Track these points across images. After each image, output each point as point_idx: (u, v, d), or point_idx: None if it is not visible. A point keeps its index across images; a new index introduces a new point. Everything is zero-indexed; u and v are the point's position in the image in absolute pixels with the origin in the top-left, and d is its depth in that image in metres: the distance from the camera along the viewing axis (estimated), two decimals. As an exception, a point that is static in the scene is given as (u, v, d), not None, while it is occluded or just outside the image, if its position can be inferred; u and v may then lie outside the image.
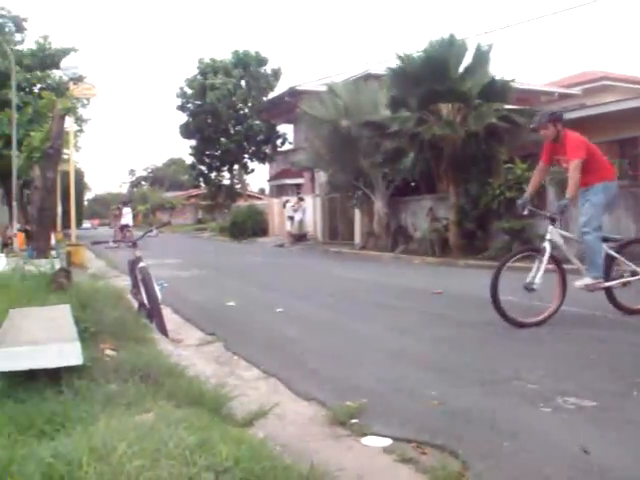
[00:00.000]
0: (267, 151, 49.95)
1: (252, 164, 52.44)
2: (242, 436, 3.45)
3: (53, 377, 4.28)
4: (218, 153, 50.91)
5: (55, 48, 33.79)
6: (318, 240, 31.01)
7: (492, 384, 5.40)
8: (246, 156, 51.39)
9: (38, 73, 31.41)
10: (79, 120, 33.15)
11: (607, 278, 8.09)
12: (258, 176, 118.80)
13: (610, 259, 8.15)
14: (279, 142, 49.15)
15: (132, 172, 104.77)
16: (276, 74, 50.30)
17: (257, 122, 49.06)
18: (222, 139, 50.07)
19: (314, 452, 3.83)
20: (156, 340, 6.63)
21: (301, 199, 32.96)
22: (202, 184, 55.80)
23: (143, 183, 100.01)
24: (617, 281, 8.16)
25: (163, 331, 7.41)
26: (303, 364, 6.39)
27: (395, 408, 4.83)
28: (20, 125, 25.00)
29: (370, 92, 23.67)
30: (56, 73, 31.19)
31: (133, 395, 4.09)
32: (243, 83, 49.74)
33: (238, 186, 54.87)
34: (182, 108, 51.39)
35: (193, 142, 52.21)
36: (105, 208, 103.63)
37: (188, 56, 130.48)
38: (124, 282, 11.13)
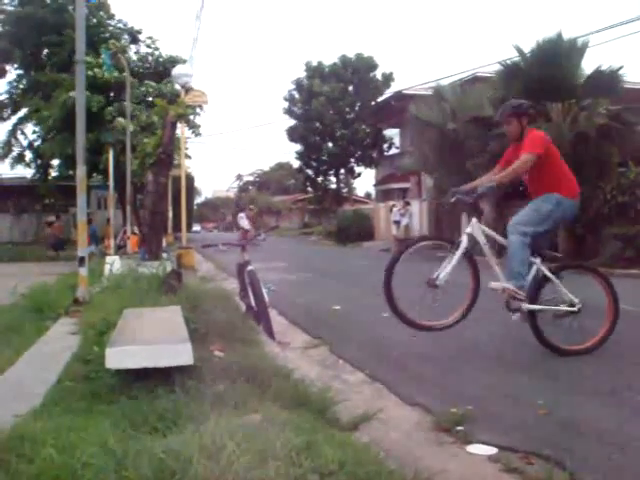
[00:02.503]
0: (373, 155, 49.82)
1: (358, 168, 52.37)
2: (347, 440, 3.49)
3: (164, 376, 4.41)
4: (325, 157, 51.12)
5: (164, 56, 34.90)
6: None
7: (602, 395, 5.27)
8: (352, 160, 51.37)
9: (152, 83, 32.44)
10: (191, 127, 33.97)
11: (533, 300, 6.69)
12: (364, 180, 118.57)
13: (542, 279, 6.76)
14: (385, 146, 48.94)
15: (239, 177, 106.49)
16: (387, 79, 50.06)
17: (364, 126, 49.03)
18: (328, 143, 50.25)
19: (418, 458, 3.83)
20: (263, 342, 6.74)
21: (407, 203, 32.78)
22: (308, 188, 56.13)
23: (250, 187, 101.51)
24: (544, 307, 6.72)
25: (270, 333, 7.51)
26: (408, 369, 6.37)
27: (501, 415, 4.78)
28: (134, 132, 25.81)
29: (477, 94, 23.31)
30: (168, 81, 32.25)
31: (241, 396, 4.17)
32: (351, 87, 49.77)
33: (344, 190, 54.96)
34: (289, 112, 51.83)
35: (300, 146, 52.58)
36: (214, 212, 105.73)
37: (297, 59, 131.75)
38: (232, 285, 11.35)
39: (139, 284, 9.17)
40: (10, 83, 37.23)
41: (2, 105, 37.28)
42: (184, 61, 32.61)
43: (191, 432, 3.13)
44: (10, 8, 35.47)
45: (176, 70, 19.73)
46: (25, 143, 37.37)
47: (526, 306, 6.60)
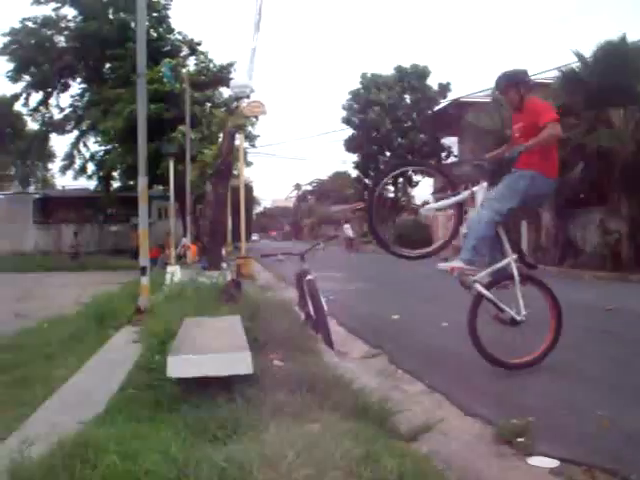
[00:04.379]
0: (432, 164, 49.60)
1: (416, 177, 52.22)
2: (407, 450, 3.47)
3: (224, 384, 4.45)
4: (382, 166, 51.11)
5: (219, 65, 35.34)
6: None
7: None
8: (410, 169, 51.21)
9: (207, 93, 32.90)
10: (249, 138, 34.27)
11: (489, 286, 6.50)
12: (423, 189, 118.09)
13: (509, 276, 6.55)
14: (443, 155, 48.71)
15: (298, 186, 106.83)
16: (444, 88, 49.87)
17: (421, 135, 48.92)
18: (386, 152, 50.29)
19: (478, 470, 3.80)
20: (322, 352, 6.74)
21: (465, 212, 32.48)
22: (367, 197, 56.05)
23: (309, 197, 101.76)
24: (494, 299, 6.45)
25: (329, 343, 7.51)
26: (467, 379, 6.31)
27: (563, 427, 4.70)
28: (193, 142, 26.15)
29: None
30: (225, 91, 32.78)
31: (300, 405, 4.18)
32: (407, 97, 49.71)
33: (402, 199, 54.80)
34: (347, 122, 52.02)
35: (358, 156, 52.71)
36: (273, 222, 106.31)
37: (355, 69, 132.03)
38: (291, 294, 11.38)
39: (199, 293, 9.27)
40: (73, 97, 38.15)
41: (66, 118, 38.20)
42: (235, 70, 33.04)
43: (251, 441, 3.15)
44: (74, 24, 36.36)
45: (235, 81, 19.92)
46: (87, 155, 38.21)
47: (479, 287, 6.43)
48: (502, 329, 6.60)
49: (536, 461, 4.03)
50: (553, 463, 3.96)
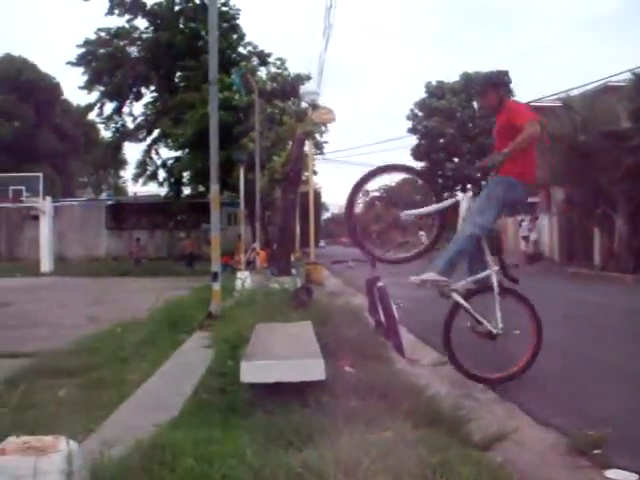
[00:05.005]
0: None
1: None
2: (481, 459, 3.43)
3: (297, 391, 4.47)
4: (450, 173, 50.88)
5: (293, 74, 35.64)
6: (554, 260, 30.00)
7: None
8: (479, 175, 50.84)
9: (278, 103, 33.16)
10: (317, 146, 34.44)
11: (467, 297, 6.49)
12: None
13: (488, 288, 6.48)
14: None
15: (366, 192, 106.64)
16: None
17: (489, 140, 48.58)
18: (454, 159, 50.06)
19: (555, 482, 3.73)
20: (393, 359, 6.71)
21: (536, 218, 32.05)
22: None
23: (377, 203, 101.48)
24: (471, 310, 6.46)
25: (399, 350, 7.47)
26: (540, 388, 6.23)
27: (640, 439, 4.59)
28: (263, 150, 26.40)
29: (608, 105, 22.56)
30: (295, 100, 32.99)
31: (372, 413, 4.17)
32: (473, 103, 49.46)
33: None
34: (413, 130, 51.95)
35: (424, 163, 52.58)
36: (340, 227, 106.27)
37: (422, 78, 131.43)
38: (360, 300, 11.36)
39: (270, 299, 9.32)
40: (146, 106, 38.89)
41: (138, 127, 38.96)
42: (309, 78, 33.21)
43: (326, 448, 3.15)
44: (146, 35, 37.14)
45: (304, 88, 20.04)
46: (159, 162, 38.87)
47: (457, 297, 6.40)
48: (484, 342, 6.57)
49: (614, 474, 3.93)
50: (632, 477, 3.87)
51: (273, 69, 36.35)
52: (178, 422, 4.21)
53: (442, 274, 6.28)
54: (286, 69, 35.89)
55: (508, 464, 3.79)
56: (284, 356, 4.64)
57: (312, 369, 4.46)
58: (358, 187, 7.24)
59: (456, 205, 6.87)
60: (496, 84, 6.70)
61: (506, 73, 7.65)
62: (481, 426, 4.71)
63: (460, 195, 6.82)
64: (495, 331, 6.42)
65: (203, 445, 3.30)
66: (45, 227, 33.20)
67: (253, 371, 4.45)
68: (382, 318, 7.97)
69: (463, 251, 6.34)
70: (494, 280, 6.40)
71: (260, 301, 9.26)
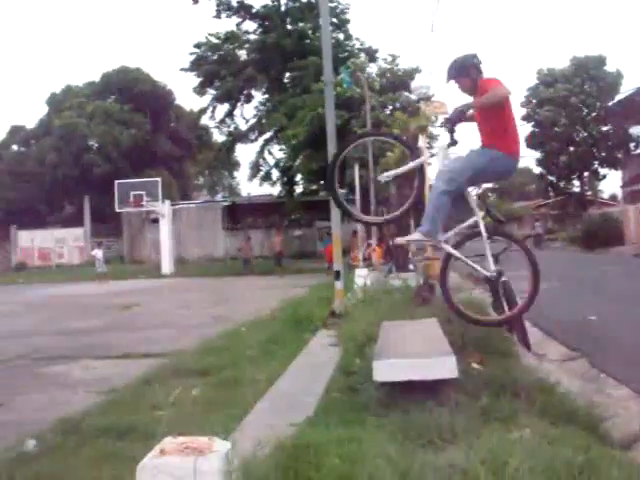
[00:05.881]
0: (619, 156, 47.54)
1: (603, 170, 50.25)
2: (627, 460, 3.36)
3: (428, 389, 4.48)
4: (565, 161, 49.59)
5: (403, 69, 35.49)
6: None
7: None
8: (596, 163, 49.42)
9: (390, 95, 33.10)
10: (430, 137, 34.23)
11: (457, 246, 6.46)
12: (610, 182, 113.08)
13: (475, 233, 6.45)
14: (632, 145, 46.51)
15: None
16: (618, 75, 47.84)
17: (606, 127, 47.10)
18: (569, 147, 48.80)
19: None
20: (519, 354, 6.64)
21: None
22: (550, 194, 54.68)
23: (490, 194, 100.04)
24: (463, 257, 6.38)
25: (526, 345, 7.38)
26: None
27: None
28: (375, 145, 26.42)
29: None
30: (405, 94, 32.79)
31: (507, 410, 4.15)
32: (586, 88, 48.01)
33: (589, 194, 52.90)
34: (527, 118, 50.84)
35: (539, 153, 51.47)
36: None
37: (534, 65, 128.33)
38: (480, 294, 11.24)
39: (392, 296, 9.34)
40: (256, 107, 39.53)
41: (250, 128, 39.62)
42: (419, 71, 33.02)
43: (468, 446, 3.16)
44: (254, 36, 37.76)
45: (415, 82, 19.96)
46: (272, 162, 39.42)
47: (447, 247, 6.38)
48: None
49: None
50: None
51: (383, 64, 36.28)
52: (315, 421, 4.29)
53: (426, 234, 6.24)
54: (397, 65, 35.74)
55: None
56: (416, 354, 4.66)
57: (444, 367, 4.46)
58: (338, 154, 7.08)
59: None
60: (468, 67, 6.57)
61: (474, 55, 7.58)
62: (617, 424, 4.61)
63: (434, 149, 6.73)
64: (489, 274, 6.47)
65: (345, 444, 3.36)
66: (165, 230, 34.28)
67: (385, 370, 4.50)
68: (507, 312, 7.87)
69: (440, 206, 6.23)
70: (481, 225, 6.40)
71: (382, 298, 9.28)
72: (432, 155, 6.80)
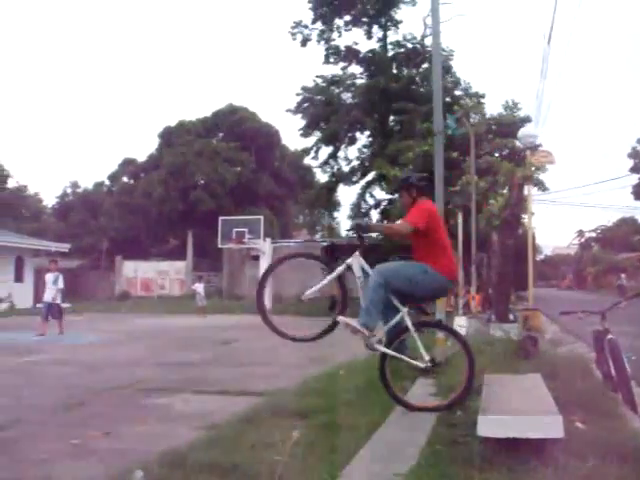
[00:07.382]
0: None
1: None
2: None
3: (532, 447, 4.46)
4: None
5: (516, 116, 35.12)
6: None
7: None
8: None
9: (497, 140, 32.87)
10: (536, 183, 33.77)
11: (389, 345, 6.72)
12: None
13: (403, 329, 6.74)
14: None
15: (581, 233, 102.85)
16: None
17: None
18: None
19: None
20: (625, 415, 6.49)
21: None
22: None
23: (592, 244, 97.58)
24: (397, 355, 6.71)
25: (632, 406, 7.21)
26: None
27: None
28: (480, 190, 26.35)
29: None
30: (513, 141, 32.47)
31: (614, 475, 4.09)
32: None
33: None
34: (635, 169, 49.67)
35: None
36: (554, 270, 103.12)
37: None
38: (582, 349, 11.02)
39: (493, 347, 9.26)
40: (360, 150, 39.90)
41: (353, 170, 39.96)
42: (530, 120, 32.71)
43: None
44: (360, 80, 38.31)
45: (522, 131, 19.82)
46: (372, 203, 39.56)
47: (380, 347, 6.69)
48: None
49: None
50: None
51: (499, 110, 36.09)
52: (419, 473, 4.32)
53: (364, 327, 6.53)
54: (519, 109, 35.41)
55: None
56: (522, 411, 4.66)
57: (550, 426, 4.45)
58: (266, 275, 8.32)
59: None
60: (410, 185, 7.10)
61: (422, 177, 7.58)
62: None
63: (348, 259, 7.01)
64: (423, 365, 6.72)
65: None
66: (265, 266, 34.63)
67: (490, 425, 4.51)
68: (613, 371, 7.72)
69: (374, 299, 6.57)
70: (407, 320, 6.72)
71: (483, 349, 9.20)
72: (348, 267, 7.00)
